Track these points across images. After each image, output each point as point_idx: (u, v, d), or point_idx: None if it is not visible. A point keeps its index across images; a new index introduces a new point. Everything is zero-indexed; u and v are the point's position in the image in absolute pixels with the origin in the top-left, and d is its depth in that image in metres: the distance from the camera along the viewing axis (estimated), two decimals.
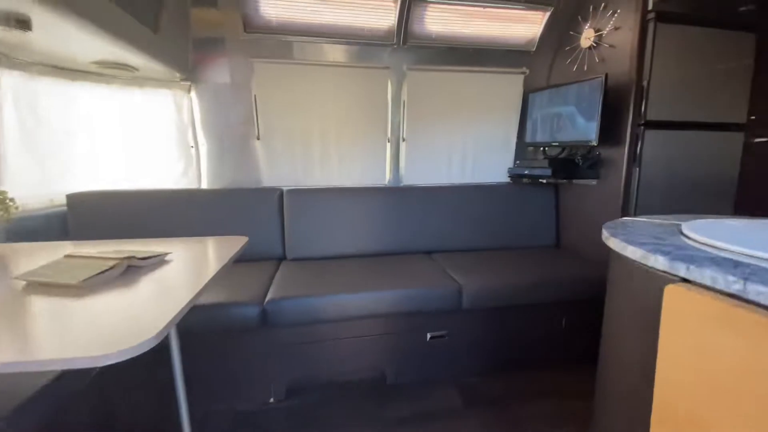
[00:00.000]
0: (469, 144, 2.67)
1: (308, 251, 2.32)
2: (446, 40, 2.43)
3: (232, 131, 2.38)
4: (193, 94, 2.30)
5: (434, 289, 1.88)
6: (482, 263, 2.22)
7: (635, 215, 2.02)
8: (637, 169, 2.02)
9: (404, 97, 2.51)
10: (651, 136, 2.00)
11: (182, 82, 2.25)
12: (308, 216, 2.33)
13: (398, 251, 2.43)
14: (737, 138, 2.13)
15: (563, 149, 2.43)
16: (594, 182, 2.26)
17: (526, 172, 2.42)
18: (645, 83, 1.96)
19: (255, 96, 2.33)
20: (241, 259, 2.23)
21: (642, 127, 2.00)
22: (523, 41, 2.53)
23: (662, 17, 1.90)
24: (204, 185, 2.41)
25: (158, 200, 2.20)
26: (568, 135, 2.23)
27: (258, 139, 2.39)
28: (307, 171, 2.49)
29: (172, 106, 2.26)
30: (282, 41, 2.28)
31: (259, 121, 2.37)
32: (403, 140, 2.57)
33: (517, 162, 2.57)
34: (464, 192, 2.60)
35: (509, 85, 2.63)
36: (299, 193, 2.36)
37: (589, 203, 2.33)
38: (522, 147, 2.74)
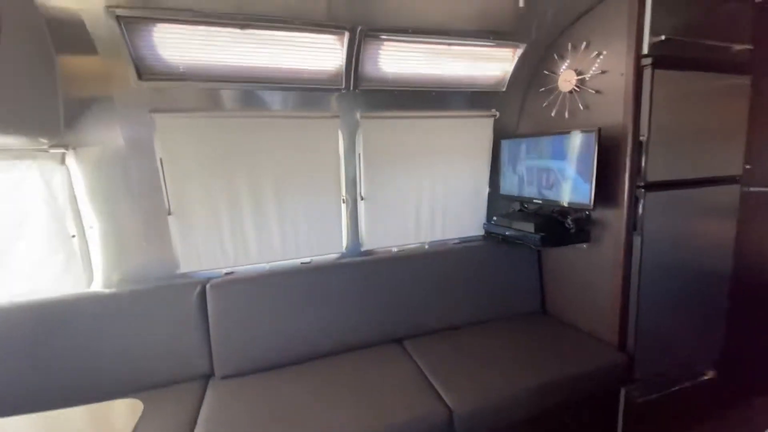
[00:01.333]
0: (437, 197, 2.27)
1: (245, 363, 1.76)
2: (405, 81, 2.02)
3: (133, 207, 1.78)
4: (70, 163, 1.67)
5: (417, 422, 1.43)
6: (467, 355, 1.81)
7: (639, 287, 1.73)
8: (639, 237, 1.72)
9: (359, 149, 2.05)
10: (653, 198, 1.72)
11: (52, 150, 1.62)
12: (242, 313, 1.79)
13: (363, 343, 1.95)
14: (734, 191, 1.92)
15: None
16: (584, 246, 1.95)
17: (507, 233, 2.06)
18: (643, 138, 1.67)
19: (161, 159, 1.75)
20: (154, 384, 1.66)
21: (643, 190, 1.70)
22: (492, 81, 2.18)
23: (659, 63, 1.62)
24: (97, 284, 1.78)
25: (19, 318, 1.55)
26: (557, 195, 1.89)
27: (169, 214, 1.81)
28: (240, 249, 1.94)
29: (39, 184, 1.61)
30: (195, 88, 1.73)
31: (168, 191, 1.79)
32: (362, 199, 2.12)
33: (494, 218, 2.22)
34: (436, 257, 2.19)
35: (478, 130, 2.27)
36: (228, 285, 1.81)
37: (579, 268, 2.02)
38: (495, 197, 2.39)
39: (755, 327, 2.12)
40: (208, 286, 1.76)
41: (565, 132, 1.82)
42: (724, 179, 1.88)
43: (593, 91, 1.82)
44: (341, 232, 2.11)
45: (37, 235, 1.62)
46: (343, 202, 2.08)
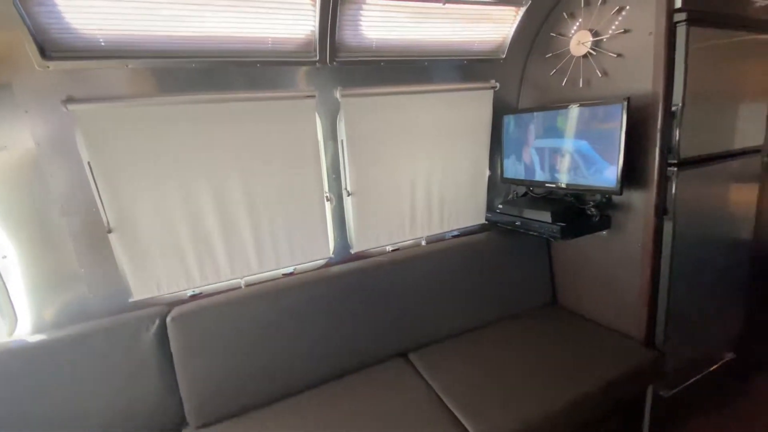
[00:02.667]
0: (433, 185, 1.99)
1: (224, 406, 1.46)
2: (390, 50, 1.68)
3: (59, 226, 1.39)
4: None
5: None
6: (482, 367, 1.59)
7: (671, 278, 1.54)
8: (671, 221, 1.52)
9: (342, 134, 1.72)
10: (686, 177, 1.51)
11: None
12: (215, 345, 1.47)
13: (363, 362, 1.69)
14: (756, 161, 1.75)
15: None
16: (604, 233, 1.74)
17: (517, 223, 1.82)
18: (676, 108, 1.43)
19: (89, 163, 1.36)
20: None
21: (675, 168, 1.49)
22: (490, 46, 1.88)
23: (695, 19, 1.37)
24: (24, 329, 1.39)
25: None
26: (575, 177, 1.65)
27: (109, 231, 1.43)
28: (207, 265, 1.60)
29: None
30: (124, 69, 1.33)
31: (104, 203, 1.40)
32: (349, 194, 1.80)
33: (500, 206, 1.97)
34: (435, 255, 1.92)
35: (476, 105, 1.98)
36: (193, 314, 1.46)
37: (597, 258, 1.82)
38: (494, 182, 2.13)
39: None
40: (168, 319, 1.42)
41: (587, 103, 1.56)
42: (749, 150, 1.70)
43: (614, 55, 1.56)
44: (327, 234, 1.80)
45: None
46: (327, 201, 1.76)
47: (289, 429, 1.36)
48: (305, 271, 1.79)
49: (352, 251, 1.89)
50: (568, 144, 1.65)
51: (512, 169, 1.96)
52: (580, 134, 1.60)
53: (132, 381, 1.36)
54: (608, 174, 1.50)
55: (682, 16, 1.36)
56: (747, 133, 1.66)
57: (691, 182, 1.53)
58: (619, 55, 1.55)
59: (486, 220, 2.10)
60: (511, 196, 2.18)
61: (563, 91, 1.80)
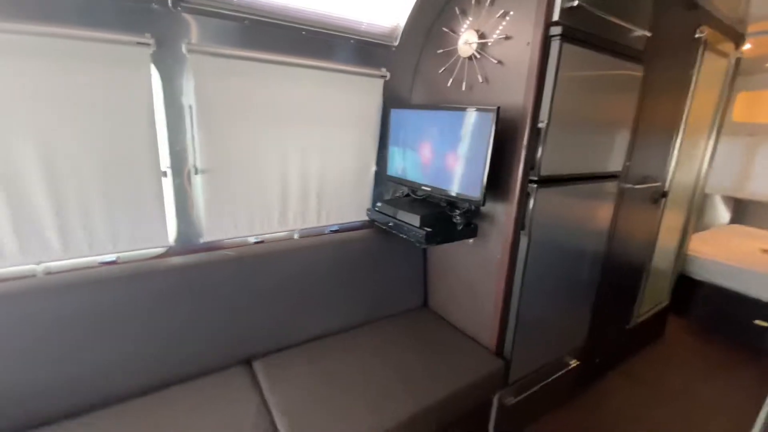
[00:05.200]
0: (311, 174, 1.79)
1: (8, 419, 1.13)
2: (258, 8, 1.43)
3: None
4: None
5: None
6: (332, 377, 1.46)
7: (522, 292, 1.56)
8: (527, 237, 1.53)
9: (190, 98, 1.43)
10: (544, 195, 1.52)
11: None
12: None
13: (198, 371, 1.45)
14: (614, 187, 1.87)
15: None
16: (471, 242, 1.72)
17: (390, 224, 1.71)
18: (542, 125, 1.42)
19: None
20: None
21: (535, 185, 1.49)
22: (381, 30, 1.73)
23: (569, 35, 1.35)
24: None
25: None
26: (446, 183, 1.58)
27: None
28: None
29: None
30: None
31: None
32: (198, 171, 1.52)
33: (378, 204, 1.85)
34: (308, 251, 1.75)
35: (365, 93, 1.82)
36: None
37: (463, 264, 1.80)
38: (383, 178, 2.02)
39: (614, 306, 2.23)
40: None
41: (460, 108, 1.49)
42: (607, 175, 1.80)
43: (495, 61, 1.51)
44: (164, 218, 1.50)
45: None
46: (165, 176, 1.46)
47: None
48: (135, 260, 1.48)
49: (203, 240, 1.61)
50: (445, 148, 1.57)
51: (395, 166, 1.85)
52: (455, 140, 1.53)
53: None
54: (474, 184, 1.45)
55: (558, 30, 1.33)
56: (608, 159, 1.75)
57: (550, 200, 1.55)
58: (499, 61, 1.50)
59: (367, 214, 1.98)
60: (397, 195, 2.08)
61: (449, 91, 1.72)
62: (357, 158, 1.91)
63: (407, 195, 1.93)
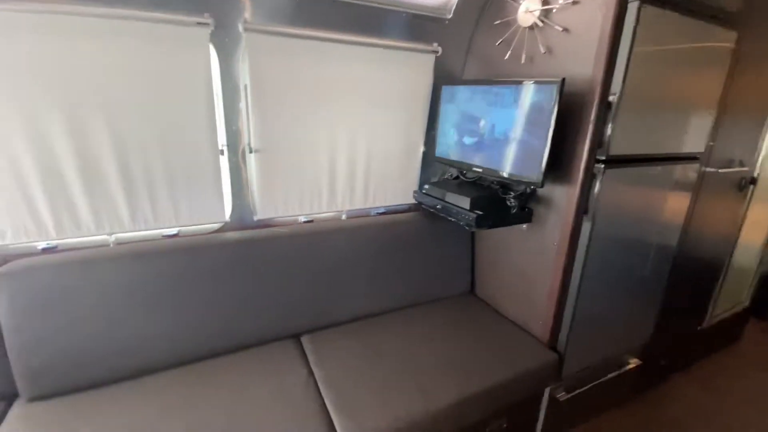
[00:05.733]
0: (359, 154, 1.78)
1: (68, 380, 1.24)
2: None
3: None
4: None
5: None
6: (379, 356, 1.46)
7: (581, 282, 1.45)
8: (590, 222, 1.41)
9: (245, 78, 1.46)
10: (612, 176, 1.39)
11: None
12: (62, 309, 1.23)
13: (249, 342, 1.52)
14: (693, 169, 1.67)
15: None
16: (524, 227, 1.63)
17: (438, 207, 1.66)
18: (613, 98, 1.29)
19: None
20: None
21: (602, 165, 1.36)
22: (436, 2, 1.64)
23: None
24: None
25: None
26: (501, 163, 1.50)
27: None
28: (63, 215, 1.33)
29: None
30: None
31: None
32: (252, 151, 1.56)
33: (426, 186, 1.80)
34: (355, 232, 1.75)
35: (416, 69, 1.76)
36: (30, 273, 1.22)
37: (515, 251, 1.71)
38: (432, 159, 1.96)
39: (685, 305, 2.03)
40: None
41: (518, 82, 1.39)
42: (686, 157, 1.61)
43: (560, 29, 1.38)
44: (221, 195, 1.56)
45: None
46: (222, 155, 1.51)
47: (131, 411, 1.18)
48: (194, 234, 1.56)
49: (256, 218, 1.67)
50: (500, 126, 1.48)
51: (444, 146, 1.79)
52: (511, 117, 1.43)
53: None
54: (532, 164, 1.36)
55: None
56: (688, 138, 1.57)
57: (618, 182, 1.42)
58: (565, 29, 1.37)
59: (414, 196, 1.94)
60: (445, 177, 2.02)
61: (505, 65, 1.62)
62: (405, 138, 1.87)
63: (456, 177, 1.86)
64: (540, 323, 1.62)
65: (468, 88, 1.63)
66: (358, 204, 1.87)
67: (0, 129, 1.17)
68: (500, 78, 1.56)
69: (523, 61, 1.54)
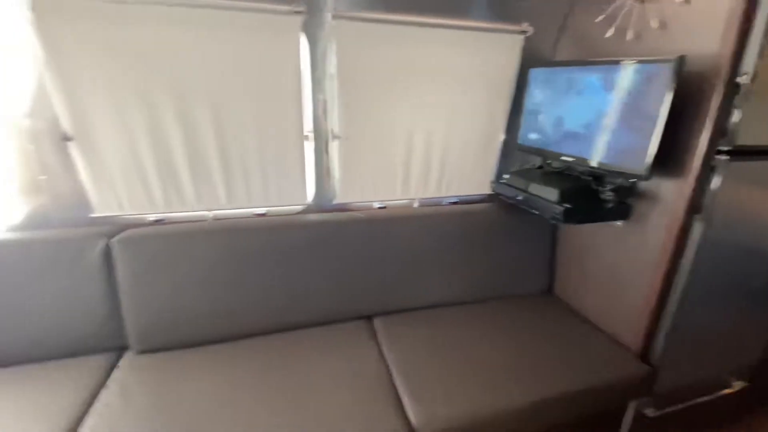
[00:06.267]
0: (436, 142, 1.75)
1: (168, 336, 1.42)
2: None
3: (13, 130, 1.31)
4: None
5: None
6: (450, 348, 1.45)
7: (685, 291, 1.29)
8: (703, 222, 1.24)
9: (331, 66, 1.50)
10: (736, 170, 1.20)
11: None
12: (166, 275, 1.40)
13: (324, 318, 1.60)
14: None
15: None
16: (620, 224, 1.48)
17: (520, 198, 1.58)
18: (743, 79, 1.10)
19: (46, 61, 1.24)
20: (52, 355, 1.33)
21: (726, 157, 1.18)
22: None
23: None
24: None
25: None
26: (594, 152, 1.37)
27: (67, 139, 1.34)
28: (171, 192, 1.50)
29: None
30: None
31: (65, 111, 1.30)
32: (335, 138, 1.61)
33: (505, 176, 1.72)
34: (427, 220, 1.74)
35: (501, 51, 1.67)
36: (143, 241, 1.39)
37: (605, 249, 1.57)
38: (510, 147, 1.86)
39: None
40: (115, 239, 1.35)
41: (622, 61, 1.25)
42: None
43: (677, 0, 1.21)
44: (305, 179, 1.64)
45: None
46: (307, 140, 1.58)
47: (220, 371, 1.31)
48: (280, 215, 1.67)
49: (335, 202, 1.73)
50: (598, 112, 1.35)
51: (529, 133, 1.68)
52: (613, 101, 1.29)
53: (72, 299, 1.33)
54: (637, 153, 1.22)
55: None
56: None
57: (744, 178, 1.22)
58: (685, 0, 1.19)
59: (491, 187, 1.86)
60: (525, 167, 1.90)
61: (607, 43, 1.46)
62: (485, 125, 1.79)
63: (540, 167, 1.75)
64: (631, 331, 1.47)
65: (560, 70, 1.51)
66: (431, 193, 1.85)
67: (124, 115, 1.34)
68: (600, 58, 1.41)
69: (628, 38, 1.38)
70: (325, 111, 1.56)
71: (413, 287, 1.71)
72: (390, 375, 1.33)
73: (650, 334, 1.41)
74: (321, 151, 1.63)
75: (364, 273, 1.63)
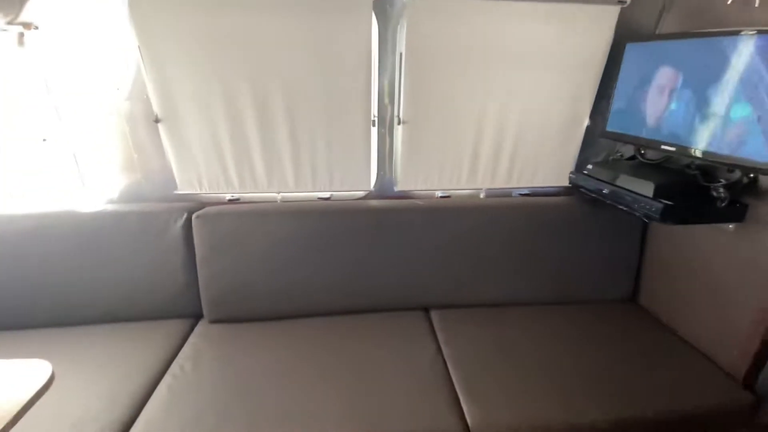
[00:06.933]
0: (509, 128, 1.62)
1: (237, 308, 1.51)
2: None
3: (113, 110, 1.45)
4: (32, 44, 1.34)
5: None
6: (513, 351, 1.35)
7: None
8: None
9: (401, 46, 1.44)
10: None
11: (9, 26, 1.29)
12: (238, 251, 1.48)
13: (380, 305, 1.58)
14: None
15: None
16: (731, 227, 1.25)
17: (605, 191, 1.40)
18: None
19: (140, 48, 1.35)
20: (133, 317, 1.48)
21: None
22: None
23: None
24: (96, 199, 1.56)
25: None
26: (711, 142, 1.16)
27: (157, 121, 1.46)
28: (246, 174, 1.58)
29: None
30: None
31: (152, 91, 1.41)
32: (400, 122, 1.56)
33: (589, 167, 1.54)
34: (495, 212, 1.63)
35: (590, 27, 1.47)
36: (219, 218, 1.48)
37: (711, 257, 1.34)
38: (596, 135, 1.66)
39: None
40: (194, 217, 1.45)
41: (751, 32, 1.02)
42: None
43: None
44: (369, 165, 1.62)
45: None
46: (374, 125, 1.55)
47: (283, 346, 1.36)
48: (341, 199, 1.68)
49: (396, 189, 1.70)
50: (715, 92, 1.13)
51: (620, 119, 1.48)
52: (736, 79, 1.07)
53: (157, 266, 1.47)
54: (759, 141, 1.00)
55: None
56: None
57: None
58: None
59: (569, 182, 1.69)
60: (612, 157, 1.69)
61: (728, 11, 1.21)
62: (567, 109, 1.61)
63: (631, 157, 1.54)
64: (733, 354, 1.25)
65: (666, 44, 1.29)
66: (500, 183, 1.73)
67: (206, 100, 1.42)
68: (718, 29, 1.18)
69: (758, 4, 1.13)
70: (391, 94, 1.52)
71: (475, 283, 1.62)
72: (447, 370, 1.28)
73: (759, 360, 1.18)
74: (385, 136, 1.59)
75: (425, 263, 1.58)
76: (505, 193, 1.77)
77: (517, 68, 1.51)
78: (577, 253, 1.63)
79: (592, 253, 1.63)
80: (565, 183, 1.71)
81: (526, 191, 1.78)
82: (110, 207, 1.49)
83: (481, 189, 1.74)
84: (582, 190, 1.58)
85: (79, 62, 1.37)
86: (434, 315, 1.57)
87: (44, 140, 1.42)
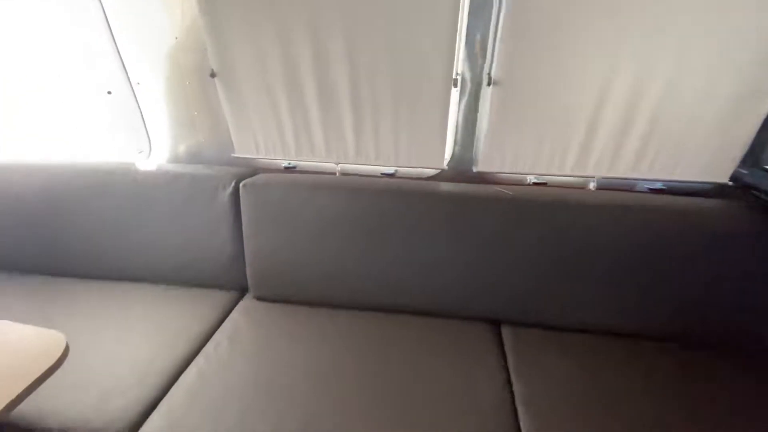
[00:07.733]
0: (643, 100, 1.15)
1: (282, 288, 1.38)
2: None
3: (173, 62, 1.36)
4: None
5: None
6: (606, 394, 1.01)
7: None
8: None
9: None
10: None
11: None
12: (286, 227, 1.32)
13: (441, 310, 1.31)
14: None
15: None
16: None
17: None
18: None
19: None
20: (180, 281, 1.44)
21: None
22: None
23: None
24: (161, 157, 1.54)
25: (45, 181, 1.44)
26: None
27: (212, 76, 1.33)
28: (303, 140, 1.39)
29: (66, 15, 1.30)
30: None
31: (210, 46, 1.27)
32: (491, 83, 1.21)
33: None
34: (609, 212, 1.20)
35: None
36: (268, 188, 1.32)
37: None
38: None
39: None
40: (240, 186, 1.32)
41: None
42: None
43: None
44: (444, 137, 1.31)
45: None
46: (455, 87, 1.22)
47: (325, 337, 1.22)
48: (407, 177, 1.41)
49: (475, 169, 1.37)
50: None
51: None
52: None
53: (207, 233, 1.38)
54: None
55: None
56: None
57: None
58: None
59: (730, 180, 1.18)
60: None
61: None
62: (741, 77, 1.08)
63: None
64: None
65: None
66: (623, 171, 1.28)
67: (262, 52, 1.23)
68: None
69: None
70: (483, 44, 1.16)
71: (567, 298, 1.24)
72: (512, 401, 1.00)
73: None
74: (469, 102, 1.26)
75: (503, 266, 1.25)
76: (628, 186, 1.33)
77: (668, 10, 1.03)
78: (731, 277, 1.14)
79: (756, 280, 1.13)
80: (723, 179, 1.21)
81: (659, 185, 1.31)
82: (167, 167, 1.44)
83: (593, 177, 1.32)
84: (752, 191, 1.08)
85: (139, 9, 1.27)
86: (506, 332, 1.26)
87: (109, 93, 1.39)
